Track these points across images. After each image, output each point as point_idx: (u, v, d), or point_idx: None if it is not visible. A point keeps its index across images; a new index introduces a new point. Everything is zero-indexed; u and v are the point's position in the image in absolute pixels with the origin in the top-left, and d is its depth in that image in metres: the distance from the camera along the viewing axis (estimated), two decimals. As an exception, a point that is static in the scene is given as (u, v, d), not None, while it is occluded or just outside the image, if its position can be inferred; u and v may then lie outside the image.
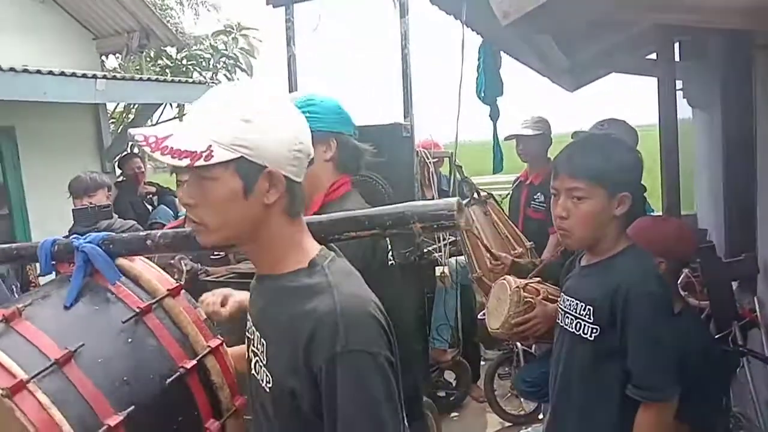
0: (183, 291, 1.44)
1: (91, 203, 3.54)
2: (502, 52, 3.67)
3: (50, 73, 4.78)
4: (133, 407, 1.23)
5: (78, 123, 6.22)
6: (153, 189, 6.09)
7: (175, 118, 10.36)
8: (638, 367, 1.64)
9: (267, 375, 1.16)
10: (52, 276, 1.55)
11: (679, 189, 3.12)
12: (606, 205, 1.70)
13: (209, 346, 1.38)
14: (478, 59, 3.70)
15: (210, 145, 1.04)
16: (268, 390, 1.16)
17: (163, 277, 1.46)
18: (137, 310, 1.34)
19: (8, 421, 1.16)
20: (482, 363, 4.70)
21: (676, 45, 3.70)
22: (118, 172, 6.22)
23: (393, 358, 1.10)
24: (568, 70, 3.89)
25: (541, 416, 3.79)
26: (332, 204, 1.85)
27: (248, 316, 1.27)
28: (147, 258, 1.51)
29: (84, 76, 5.12)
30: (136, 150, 7.26)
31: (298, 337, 1.06)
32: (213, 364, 1.37)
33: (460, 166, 3.63)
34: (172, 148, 1.04)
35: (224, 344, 1.41)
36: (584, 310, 1.75)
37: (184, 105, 8.75)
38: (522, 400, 4.14)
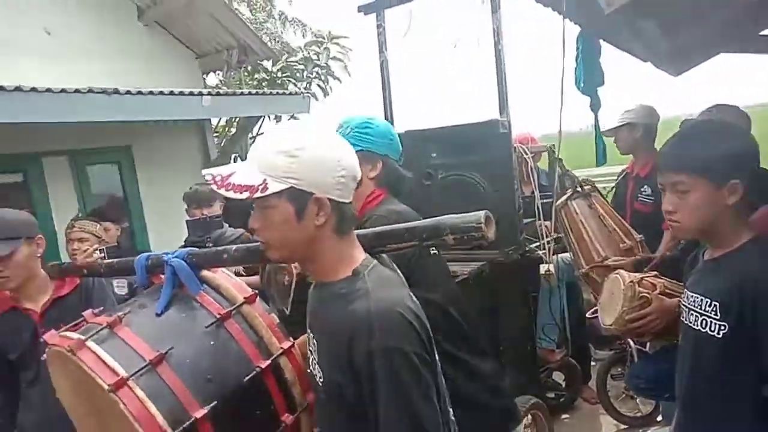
0: (258, 298, 1.60)
1: (204, 214, 3.74)
2: (601, 41, 3.54)
3: (161, 93, 5.10)
4: (216, 402, 1.40)
5: (186, 139, 6.61)
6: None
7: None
8: None
9: (319, 371, 1.32)
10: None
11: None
12: (712, 195, 1.62)
13: (282, 348, 1.53)
14: (576, 49, 3.58)
15: (265, 179, 1.23)
16: (321, 384, 1.32)
17: (240, 285, 1.63)
18: (218, 316, 1.52)
19: (112, 413, 1.35)
20: (592, 363, 4.55)
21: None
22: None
23: (427, 355, 1.22)
24: (672, 54, 3.70)
25: (659, 418, 3.60)
26: (370, 211, 2.04)
27: (307, 319, 1.43)
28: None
29: (191, 93, 5.42)
30: (239, 161, 7.61)
31: (340, 337, 1.21)
32: (286, 363, 1.52)
33: (561, 159, 3.53)
34: (233, 184, 1.25)
35: (296, 346, 1.55)
36: (710, 306, 1.65)
37: (281, 116, 9.09)
38: (638, 401, 3.96)
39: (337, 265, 1.31)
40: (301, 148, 1.23)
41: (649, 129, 3.57)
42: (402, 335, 1.18)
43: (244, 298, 1.57)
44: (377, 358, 1.16)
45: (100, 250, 3.39)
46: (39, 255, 2.40)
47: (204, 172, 1.32)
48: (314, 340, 1.36)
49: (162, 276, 1.68)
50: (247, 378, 1.45)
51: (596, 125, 3.78)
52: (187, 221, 3.78)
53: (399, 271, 1.43)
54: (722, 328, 1.61)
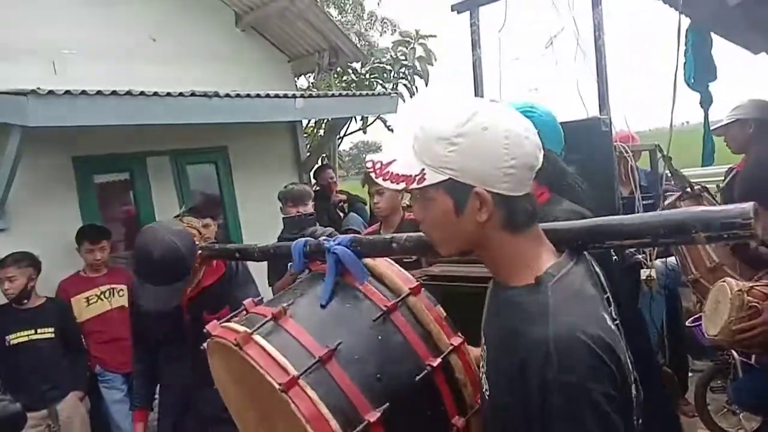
0: (423, 289, 1.47)
1: (298, 212, 3.86)
2: (713, 34, 3.35)
3: (257, 95, 5.27)
4: (387, 404, 1.28)
5: (278, 139, 6.80)
6: (344, 197, 6.50)
7: (359, 129, 10.92)
8: None
9: (486, 383, 1.19)
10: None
11: None
12: None
13: (452, 344, 1.40)
14: (686, 43, 3.41)
15: (423, 169, 1.11)
16: (486, 396, 1.20)
17: (404, 275, 1.50)
18: (384, 309, 1.40)
19: (282, 412, 1.27)
20: (690, 374, 4.32)
21: None
22: (313, 182, 6.70)
23: (615, 392, 1.02)
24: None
25: (768, 435, 3.37)
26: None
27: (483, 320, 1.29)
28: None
29: (285, 96, 5.57)
30: (327, 162, 7.77)
31: (513, 357, 1.06)
32: (456, 361, 1.39)
33: (670, 158, 3.36)
34: (392, 173, 1.15)
35: (465, 342, 1.42)
36: None
37: (367, 117, 9.18)
38: (741, 417, 3.72)
39: (517, 267, 1.14)
40: (461, 135, 1.08)
41: (763, 124, 3.34)
42: (586, 370, 1.00)
43: (409, 289, 1.45)
44: (555, 393, 0.99)
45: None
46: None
47: (368, 157, 1.22)
48: (485, 347, 1.22)
49: (319, 263, 1.61)
50: (418, 377, 1.34)
51: (706, 123, 3.58)
52: (284, 218, 3.91)
53: (601, 279, 1.21)
54: None
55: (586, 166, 3.12)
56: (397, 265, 1.53)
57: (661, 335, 3.81)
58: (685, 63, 3.46)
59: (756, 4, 1.98)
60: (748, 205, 1.06)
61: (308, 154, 7.33)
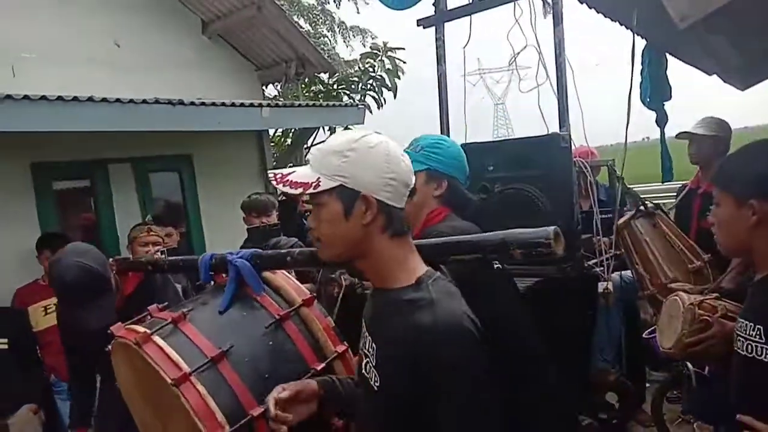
0: (315, 301, 1.65)
1: (262, 222, 3.84)
2: (668, 55, 3.47)
3: (223, 104, 5.25)
4: None
5: (244, 148, 6.76)
6: (310, 207, 6.46)
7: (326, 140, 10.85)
8: None
9: (376, 375, 1.32)
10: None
11: None
12: (735, 213, 1.65)
13: (336, 351, 1.58)
14: (642, 63, 3.52)
15: (318, 177, 1.31)
16: (376, 388, 1.32)
17: (299, 288, 1.68)
18: (277, 317, 1.57)
19: (172, 405, 1.40)
20: (647, 385, 4.42)
21: None
22: (279, 192, 6.66)
23: (486, 369, 1.21)
24: (741, 67, 3.59)
25: (720, 443, 3.47)
26: (431, 227, 2.02)
27: (363, 321, 1.45)
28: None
29: (251, 105, 5.55)
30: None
31: (404, 346, 1.22)
32: (340, 368, 1.57)
33: (622, 178, 3.46)
34: (291, 181, 1.34)
35: (349, 350, 1.58)
36: (753, 330, 1.62)
37: (335, 128, 9.19)
38: (695, 426, 3.82)
39: (396, 271, 1.33)
40: (352, 149, 1.30)
41: (722, 142, 3.44)
42: (469, 351, 1.19)
43: (302, 300, 1.62)
44: (445, 373, 1.17)
45: (161, 252, 3.52)
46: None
47: (270, 173, 1.40)
48: (372, 345, 1.36)
49: (225, 276, 1.73)
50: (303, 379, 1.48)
51: (662, 141, 3.69)
52: (248, 228, 3.89)
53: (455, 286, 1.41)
54: (766, 351, 1.58)
55: (544, 181, 3.21)
56: (293, 279, 1.71)
57: (619, 346, 3.89)
58: (641, 82, 3.57)
59: (705, 29, 2.07)
60: (551, 229, 1.28)
61: (275, 163, 7.29)
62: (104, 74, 5.44)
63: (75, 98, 4.26)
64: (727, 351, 2.00)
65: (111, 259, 2.52)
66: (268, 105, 5.68)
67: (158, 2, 6.22)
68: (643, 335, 3.54)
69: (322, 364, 1.54)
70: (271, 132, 8.31)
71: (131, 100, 4.59)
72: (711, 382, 3.43)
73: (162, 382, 1.40)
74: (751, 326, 1.64)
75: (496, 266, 2.04)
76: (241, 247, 3.91)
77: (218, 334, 1.53)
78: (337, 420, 1.53)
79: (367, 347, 1.39)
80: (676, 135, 3.66)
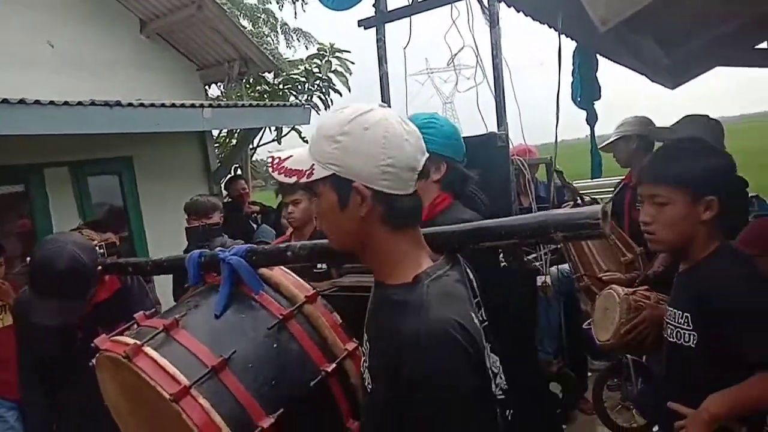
0: (319, 297, 1.51)
1: (204, 223, 3.77)
2: (598, 55, 3.59)
3: (162, 105, 5.14)
4: (282, 410, 1.32)
5: (187, 150, 6.65)
6: (257, 208, 6.41)
7: (273, 140, 10.84)
8: (757, 350, 1.53)
9: (368, 376, 1.25)
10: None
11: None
12: (689, 210, 1.68)
13: (347, 350, 1.44)
14: (573, 63, 3.63)
15: (312, 164, 1.19)
16: (369, 389, 1.25)
17: (300, 283, 1.54)
18: (280, 317, 1.43)
19: (174, 423, 1.27)
20: (589, 374, 4.56)
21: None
22: (225, 193, 6.58)
23: (475, 379, 1.11)
24: (668, 67, 3.74)
25: (655, 429, 3.62)
26: (438, 216, 1.91)
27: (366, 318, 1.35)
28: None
29: (192, 106, 5.47)
30: (240, 172, 7.65)
31: (390, 350, 1.13)
32: (351, 366, 1.44)
33: (561, 172, 3.56)
34: (286, 168, 1.22)
35: (359, 348, 1.44)
36: (682, 318, 1.71)
37: (282, 128, 9.12)
38: (634, 412, 3.97)
39: (397, 265, 1.21)
40: (344, 133, 1.16)
41: (646, 140, 3.60)
42: (450, 360, 1.08)
43: (305, 296, 1.48)
44: (421, 381, 1.07)
45: (98, 247, 3.40)
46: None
47: (268, 157, 1.29)
48: (367, 343, 1.28)
49: (215, 275, 1.59)
50: (312, 383, 1.37)
51: (592, 138, 3.82)
52: (186, 228, 3.81)
53: (474, 285, 1.31)
54: (693, 338, 1.66)
55: (485, 179, 3.28)
56: (293, 274, 1.56)
57: (560, 338, 4.01)
58: (572, 82, 3.69)
59: (628, 31, 2.16)
60: (598, 207, 1.16)
61: (219, 164, 7.19)
62: (38, 75, 5.25)
63: (5, 100, 4.11)
64: (659, 336, 2.09)
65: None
66: (210, 105, 5.61)
67: (94, 0, 6.04)
68: (583, 326, 3.67)
69: (333, 365, 1.40)
70: (215, 133, 8.20)
71: (66, 102, 4.45)
72: (650, 371, 3.58)
73: (158, 398, 1.26)
74: (679, 314, 1.72)
75: (502, 264, 2.00)
76: (185, 251, 3.87)
77: (217, 340, 1.38)
78: (352, 422, 1.42)
79: (363, 345, 1.31)
80: (599, 148, 3.83)
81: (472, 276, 1.33)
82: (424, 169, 1.21)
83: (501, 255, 2.03)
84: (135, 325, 1.52)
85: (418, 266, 1.20)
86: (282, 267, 1.57)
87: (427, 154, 1.22)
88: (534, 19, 2.72)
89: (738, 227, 2.14)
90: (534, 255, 3.55)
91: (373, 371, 1.22)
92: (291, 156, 1.24)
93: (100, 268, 2.27)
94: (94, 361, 1.50)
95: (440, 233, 1.30)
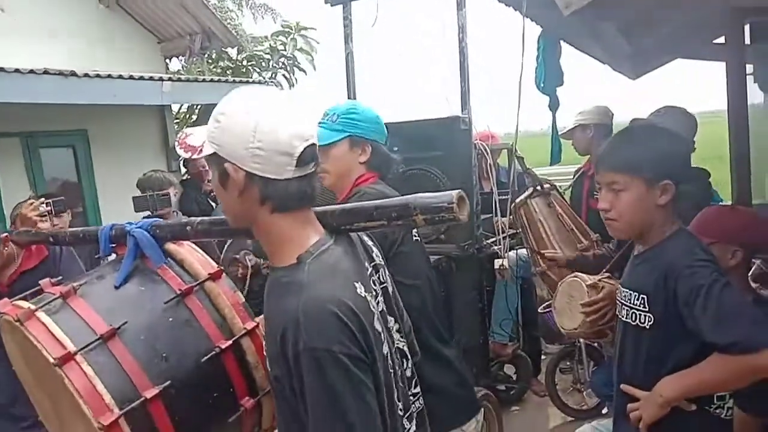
0: (224, 275, 1.53)
1: (152, 192, 3.67)
2: (562, 42, 3.61)
3: (120, 77, 4.99)
4: (169, 382, 1.34)
5: (145, 124, 6.48)
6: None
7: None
8: (716, 332, 1.56)
9: (267, 359, 1.29)
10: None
11: (749, 177, 3.00)
12: (645, 195, 1.71)
13: (245, 328, 1.46)
14: (538, 49, 3.65)
15: (204, 141, 1.24)
16: (269, 371, 1.28)
17: (206, 261, 1.56)
18: (179, 292, 1.45)
19: (58, 388, 1.30)
20: (543, 357, 4.65)
21: (747, 28, 3.55)
22: (183, 170, 6.44)
23: (363, 353, 1.16)
24: (631, 56, 3.80)
25: (605, 411, 3.72)
26: (356, 188, 2.05)
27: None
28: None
29: (151, 78, 5.32)
30: (199, 149, 7.49)
31: (276, 331, 1.17)
32: (249, 345, 1.46)
33: (522, 158, 3.59)
34: (186, 143, 1.29)
35: (261, 327, 1.47)
36: (638, 299, 1.74)
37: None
38: (585, 394, 4.07)
39: (283, 247, 1.25)
40: (223, 113, 1.21)
41: (603, 129, 3.66)
42: (331, 335, 1.12)
43: (209, 274, 1.50)
44: (304, 358, 1.11)
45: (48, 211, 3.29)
46: (5, 249, 2.37)
47: (187, 131, 1.34)
48: (264, 328, 1.32)
49: (125, 247, 1.58)
50: (204, 358, 1.39)
51: (553, 125, 3.86)
52: (133, 198, 3.71)
53: (369, 250, 1.39)
54: (649, 319, 1.70)
55: (446, 162, 3.29)
56: (200, 251, 1.60)
57: (516, 321, 4.07)
58: (537, 67, 3.72)
59: (593, 16, 2.17)
60: (454, 192, 1.21)
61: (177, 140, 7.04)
62: (-13, 41, 5.04)
63: (-49, 66, 3.93)
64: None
65: (5, 234, 2.30)
66: (170, 79, 5.47)
67: (49, -34, 5.82)
68: (539, 310, 3.73)
69: (229, 342, 1.42)
70: (176, 108, 8.01)
71: (17, 70, 4.28)
72: (602, 354, 3.66)
73: (46, 362, 1.29)
74: (635, 295, 1.74)
75: (414, 238, 2.09)
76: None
77: (112, 310, 1.40)
78: (247, 400, 1.45)
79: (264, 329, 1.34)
80: (560, 134, 3.89)
81: (365, 238, 1.41)
82: (304, 156, 1.21)
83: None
84: (41, 292, 1.54)
85: (304, 244, 1.24)
86: (190, 244, 1.60)
87: (315, 142, 1.24)
88: (499, 1, 2.71)
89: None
90: (493, 239, 3.58)
91: (268, 353, 1.26)
92: (192, 134, 1.30)
93: (20, 234, 2.26)
94: None
95: (321, 212, 1.34)
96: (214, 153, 1.22)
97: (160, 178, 3.84)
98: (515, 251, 3.81)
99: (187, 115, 9.58)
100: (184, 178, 5.98)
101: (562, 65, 3.69)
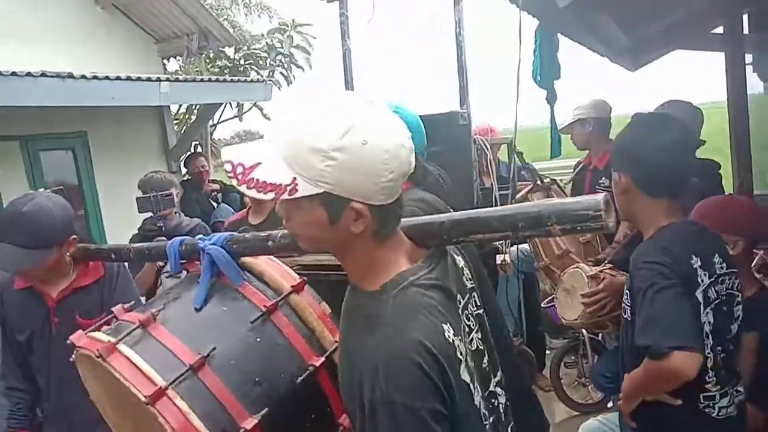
0: (307, 286, 1.44)
1: (156, 193, 3.66)
2: (559, 35, 3.60)
3: (118, 78, 4.99)
4: (266, 409, 1.25)
5: (144, 125, 6.47)
6: (217, 186, 6.28)
7: (235, 117, 10.65)
8: (639, 335, 1.61)
9: (341, 386, 1.17)
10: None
11: (751, 167, 2.99)
12: (617, 183, 1.81)
13: (336, 342, 1.35)
14: (535, 43, 3.64)
15: (294, 178, 1.03)
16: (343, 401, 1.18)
17: (286, 272, 1.46)
18: (264, 309, 1.35)
19: (150, 426, 1.21)
20: (547, 352, 4.65)
21: (745, 17, 3.53)
22: (184, 170, 6.44)
23: (441, 407, 1.03)
24: (629, 49, 3.78)
25: (610, 405, 3.71)
26: None
27: None
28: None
29: (149, 79, 5.31)
30: (200, 149, 7.50)
31: (352, 367, 1.07)
32: None
33: (521, 152, 3.58)
34: (258, 180, 1.05)
35: None
36: (626, 294, 1.77)
37: (243, 104, 8.94)
38: (590, 388, 4.07)
39: (370, 271, 1.12)
40: (339, 149, 1.00)
41: (601, 123, 3.64)
42: (412, 389, 1.00)
43: (291, 286, 1.40)
44: (380, 409, 1.00)
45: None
46: (69, 254, 2.22)
47: (225, 154, 1.10)
48: (341, 352, 1.20)
49: (198, 263, 1.50)
50: (299, 378, 1.30)
51: (552, 118, 3.85)
52: (137, 198, 3.70)
53: (462, 269, 1.23)
54: (630, 311, 1.74)
55: (446, 158, 3.26)
56: (278, 262, 1.48)
57: (519, 316, 4.06)
58: (534, 61, 3.71)
59: (589, 8, 2.15)
60: (600, 197, 1.05)
61: (177, 141, 7.03)
62: (-15, 45, 5.03)
63: (-52, 70, 3.92)
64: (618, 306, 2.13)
65: (73, 237, 2.18)
66: (168, 79, 5.46)
67: (45, -32, 5.81)
68: (542, 305, 3.73)
69: (322, 358, 1.33)
70: (174, 108, 8.00)
71: (14, 73, 4.27)
72: (613, 353, 3.65)
73: (135, 399, 1.21)
74: (627, 293, 1.76)
75: None
76: (139, 229, 3.77)
77: (196, 336, 1.31)
78: (344, 418, 1.34)
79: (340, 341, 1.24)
80: (559, 129, 3.88)
81: (463, 264, 1.26)
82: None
83: None
84: (114, 319, 1.45)
85: (389, 272, 1.11)
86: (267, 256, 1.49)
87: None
88: (494, -7, 2.70)
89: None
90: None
91: (341, 382, 1.16)
92: (259, 164, 1.07)
93: (74, 239, 2.19)
94: (73, 356, 1.44)
95: (425, 223, 1.21)
96: (325, 192, 1.03)
97: (162, 178, 3.82)
98: (517, 246, 3.80)
99: (186, 116, 9.59)
100: (185, 178, 5.98)
101: (559, 58, 3.68)
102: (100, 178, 6.02)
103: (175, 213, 3.75)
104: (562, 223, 1.06)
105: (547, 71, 3.68)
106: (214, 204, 6.13)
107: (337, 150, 1.01)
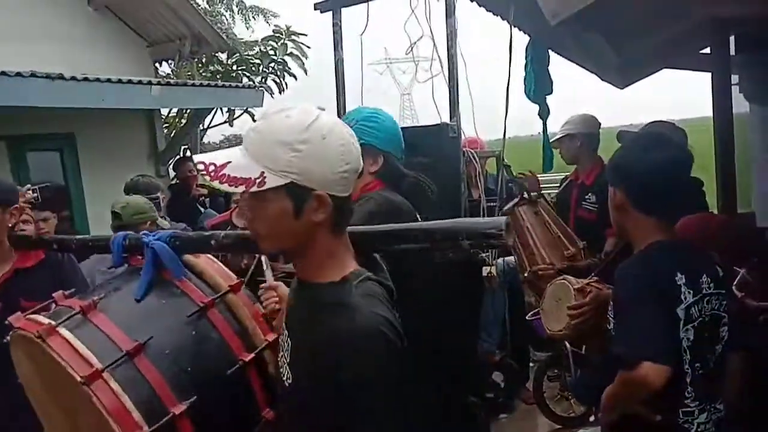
0: (243, 286, 1.52)
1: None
2: (550, 50, 3.63)
3: (108, 80, 4.97)
4: (195, 397, 1.33)
5: (134, 128, 6.44)
6: (205, 191, 6.27)
7: (225, 122, 10.62)
8: (613, 345, 1.67)
9: (288, 372, 1.26)
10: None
11: (735, 186, 3.03)
12: (611, 198, 1.83)
13: (267, 340, 1.45)
14: (526, 57, 3.67)
15: (263, 172, 1.14)
16: (287, 385, 1.26)
17: (225, 272, 1.54)
18: (201, 305, 1.43)
19: (85, 407, 1.27)
20: (531, 365, 4.66)
21: (731, 38, 3.59)
22: (172, 174, 6.42)
23: (399, 369, 1.14)
24: (618, 66, 3.82)
25: (592, 418, 3.72)
26: (362, 194, 2.02)
27: (284, 312, 1.36)
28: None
29: (140, 82, 5.29)
30: (189, 154, 7.48)
31: (318, 348, 1.15)
32: (270, 356, 1.45)
33: (509, 166, 3.60)
34: (228, 176, 1.15)
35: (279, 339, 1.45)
36: (611, 305, 1.80)
37: (234, 109, 8.92)
38: (572, 402, 4.08)
39: (326, 265, 1.21)
40: (303, 141, 1.14)
41: (590, 138, 3.67)
42: (383, 360, 1.11)
43: (229, 286, 1.49)
44: (350, 376, 1.09)
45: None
46: (10, 225, 2.25)
47: (196, 159, 1.20)
48: (289, 340, 1.27)
49: (139, 257, 1.58)
50: (229, 371, 1.38)
51: (544, 133, 3.88)
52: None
53: (388, 281, 1.32)
54: (614, 322, 1.76)
55: (434, 169, 3.28)
56: (219, 263, 1.57)
57: (504, 328, 4.08)
58: (525, 76, 3.74)
59: (582, 27, 2.18)
60: (503, 219, 1.24)
61: (167, 144, 7.00)
62: (-27, 43, 5.00)
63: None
64: (603, 319, 2.14)
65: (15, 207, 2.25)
66: (159, 83, 5.44)
67: (37, -32, 5.78)
68: (527, 317, 3.74)
69: (251, 355, 1.42)
70: (165, 112, 7.98)
71: (3, 72, 4.24)
72: (588, 361, 3.66)
73: (70, 381, 1.26)
74: (612, 305, 1.78)
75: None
76: (114, 228, 3.74)
77: (134, 325, 1.39)
78: (268, 411, 1.43)
79: (283, 340, 1.30)
80: (551, 142, 3.91)
81: (386, 275, 1.37)
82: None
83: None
84: (53, 305, 1.51)
85: (346, 267, 1.22)
86: (208, 255, 1.58)
87: (361, 147, 1.24)
88: (487, 10, 2.73)
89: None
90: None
91: (296, 370, 1.23)
92: (229, 162, 1.17)
93: (19, 238, 2.20)
94: (8, 338, 1.49)
95: (359, 232, 1.32)
96: (291, 182, 1.14)
97: (148, 182, 3.82)
98: (503, 258, 3.81)
99: (177, 120, 9.55)
100: (173, 182, 5.96)
101: (551, 73, 3.72)
102: (87, 180, 5.98)
103: (162, 217, 3.73)
104: (472, 238, 1.24)
105: (539, 86, 3.72)
106: (201, 209, 6.12)
107: (301, 142, 1.14)
